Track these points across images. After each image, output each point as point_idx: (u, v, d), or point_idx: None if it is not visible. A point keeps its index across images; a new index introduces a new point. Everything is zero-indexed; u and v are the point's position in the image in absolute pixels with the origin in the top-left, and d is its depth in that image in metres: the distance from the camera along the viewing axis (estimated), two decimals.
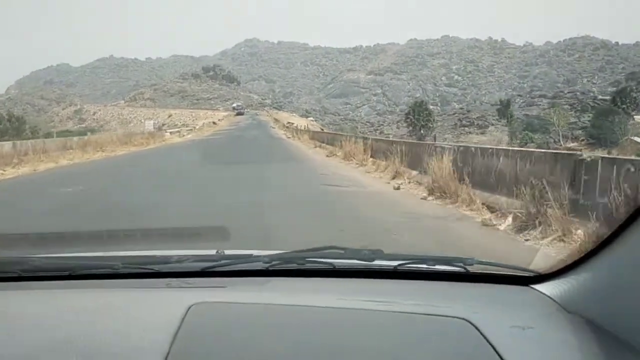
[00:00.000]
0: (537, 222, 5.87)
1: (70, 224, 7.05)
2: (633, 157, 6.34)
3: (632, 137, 45.59)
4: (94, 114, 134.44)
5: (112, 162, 21.72)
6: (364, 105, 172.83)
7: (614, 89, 69.65)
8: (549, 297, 1.36)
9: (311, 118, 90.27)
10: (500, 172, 7.62)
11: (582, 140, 45.88)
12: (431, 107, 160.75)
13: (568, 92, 68.65)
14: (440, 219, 7.31)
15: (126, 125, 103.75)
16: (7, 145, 22.27)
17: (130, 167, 18.28)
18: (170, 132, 48.11)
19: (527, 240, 5.84)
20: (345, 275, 1.53)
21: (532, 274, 1.50)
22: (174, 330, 1.11)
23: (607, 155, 7.43)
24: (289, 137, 42.19)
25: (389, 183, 11.53)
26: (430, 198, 8.91)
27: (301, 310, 1.29)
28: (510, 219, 6.41)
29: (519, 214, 6.22)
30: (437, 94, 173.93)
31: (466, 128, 62.08)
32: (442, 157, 9.24)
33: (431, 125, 58.68)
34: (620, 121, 48.60)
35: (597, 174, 5.50)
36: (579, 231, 5.30)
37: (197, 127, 61.91)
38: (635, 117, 54.23)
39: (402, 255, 1.60)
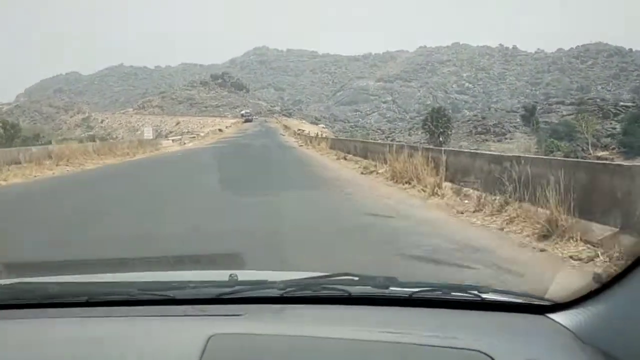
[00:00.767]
0: None
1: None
2: None
3: None
4: (102, 121, 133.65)
5: (53, 184, 15.94)
6: (373, 112, 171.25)
7: (635, 95, 67.54)
8: (564, 327, 1.35)
9: (322, 125, 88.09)
10: None
11: (613, 148, 43.43)
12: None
13: (588, 99, 66.44)
14: None
15: (134, 132, 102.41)
16: None
17: (68, 196, 12.65)
18: (173, 140, 46.13)
19: None
20: (360, 302, 1.53)
21: (548, 303, 1.49)
22: None
23: None
24: (301, 146, 37.97)
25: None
26: None
27: (317, 341, 1.29)
28: None
29: None
30: (448, 101, 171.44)
31: (482, 135, 59.79)
32: None
33: (449, 133, 56.61)
34: None
35: None
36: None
37: (202, 134, 59.67)
38: None
39: (417, 282, 1.60)
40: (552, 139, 41.34)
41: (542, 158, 8.67)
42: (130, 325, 1.39)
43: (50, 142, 43.00)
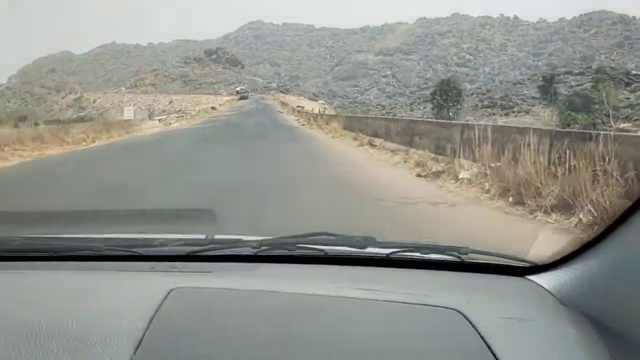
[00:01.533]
0: None
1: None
2: None
3: None
4: (94, 101, 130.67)
5: None
6: (372, 87, 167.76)
7: None
8: (544, 288, 1.34)
9: (322, 101, 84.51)
10: None
11: (636, 119, 40.27)
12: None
13: (597, 69, 63.23)
14: None
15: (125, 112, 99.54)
16: None
17: None
18: (159, 119, 42.96)
19: None
20: (336, 262, 1.52)
21: (528, 265, 1.48)
22: (151, 314, 1.09)
23: None
24: (303, 125, 33.25)
25: None
26: None
27: (289, 297, 1.26)
28: None
29: None
30: (449, 75, 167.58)
31: (488, 109, 56.53)
32: None
33: (459, 107, 52.82)
34: None
35: None
36: None
37: (194, 112, 56.37)
38: None
39: (395, 243, 1.58)
40: (569, 112, 37.86)
41: None
42: (95, 279, 1.36)
43: (37, 124, 40.28)
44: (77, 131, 25.54)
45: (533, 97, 58.81)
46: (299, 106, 56.34)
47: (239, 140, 20.67)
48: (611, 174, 5.29)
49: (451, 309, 1.17)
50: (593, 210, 5.08)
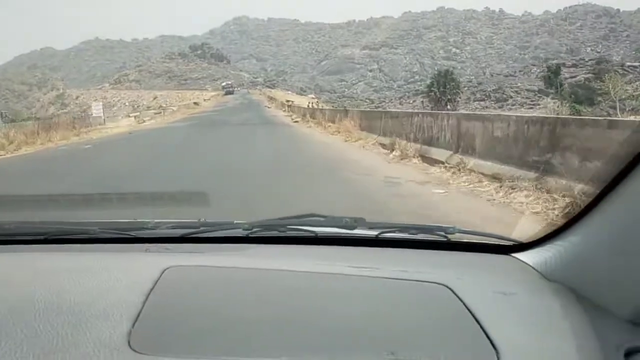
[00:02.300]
0: None
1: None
2: None
3: None
4: (77, 98, 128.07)
5: None
6: (359, 82, 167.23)
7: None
8: (530, 265, 1.38)
9: (312, 95, 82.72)
10: None
11: None
12: (429, 81, 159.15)
13: (589, 60, 62.67)
14: None
15: (110, 109, 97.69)
16: None
17: None
18: (135, 117, 40.77)
19: None
20: (326, 242, 1.55)
21: (513, 243, 1.51)
22: (147, 291, 1.12)
23: None
24: (296, 121, 28.37)
25: None
26: None
27: (281, 274, 1.29)
28: None
29: None
30: (436, 68, 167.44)
31: (481, 102, 55.59)
32: None
33: (458, 99, 51.52)
34: None
35: None
36: None
37: (175, 108, 54.07)
38: None
39: (384, 223, 1.62)
40: (573, 104, 36.66)
41: None
42: (89, 260, 1.37)
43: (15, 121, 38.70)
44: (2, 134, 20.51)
45: (527, 90, 58.14)
46: (288, 100, 52.79)
47: (216, 147, 14.99)
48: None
49: (440, 284, 1.20)
50: None
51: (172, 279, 1.19)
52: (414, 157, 10.00)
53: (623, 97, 43.61)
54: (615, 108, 38.41)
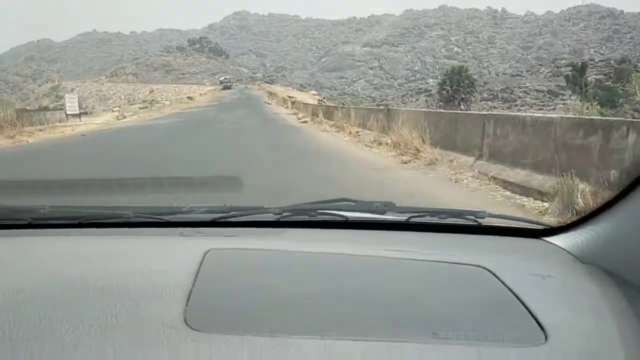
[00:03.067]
0: None
1: None
2: None
3: None
4: (72, 90, 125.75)
5: None
6: (360, 79, 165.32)
7: None
8: (562, 248, 1.38)
9: (313, 91, 79.86)
10: None
11: None
12: (431, 80, 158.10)
13: (600, 61, 60.78)
14: None
15: (105, 102, 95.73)
16: None
17: None
18: (116, 110, 37.70)
19: None
20: (357, 227, 1.56)
21: (544, 227, 1.52)
22: (194, 271, 1.14)
23: None
24: (304, 122, 23.92)
25: None
26: None
27: (317, 256, 1.30)
28: None
29: None
30: (437, 67, 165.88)
31: (488, 102, 53.40)
32: None
33: (473, 98, 48.63)
34: None
35: None
36: None
37: (167, 102, 51.08)
38: None
39: (414, 208, 1.62)
40: (596, 105, 34.21)
41: None
42: (126, 243, 1.41)
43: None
44: None
45: (537, 90, 56.10)
46: (289, 96, 47.86)
47: (190, 168, 9.43)
48: None
49: (477, 266, 1.21)
50: None
51: (215, 261, 1.21)
52: None
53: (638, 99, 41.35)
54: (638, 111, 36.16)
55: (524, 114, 17.86)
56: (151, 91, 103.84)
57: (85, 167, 9.93)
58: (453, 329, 0.96)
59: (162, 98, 75.84)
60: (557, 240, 1.41)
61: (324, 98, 45.39)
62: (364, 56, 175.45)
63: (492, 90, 57.30)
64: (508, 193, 6.45)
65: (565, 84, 47.95)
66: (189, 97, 60.05)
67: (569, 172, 5.12)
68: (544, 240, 1.45)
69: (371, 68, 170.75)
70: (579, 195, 4.95)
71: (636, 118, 31.23)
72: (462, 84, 47.96)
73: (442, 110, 22.34)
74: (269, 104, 47.53)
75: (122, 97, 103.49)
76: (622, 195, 1.24)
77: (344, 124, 17.04)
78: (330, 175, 7.92)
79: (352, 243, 1.39)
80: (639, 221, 1.19)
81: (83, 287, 1.07)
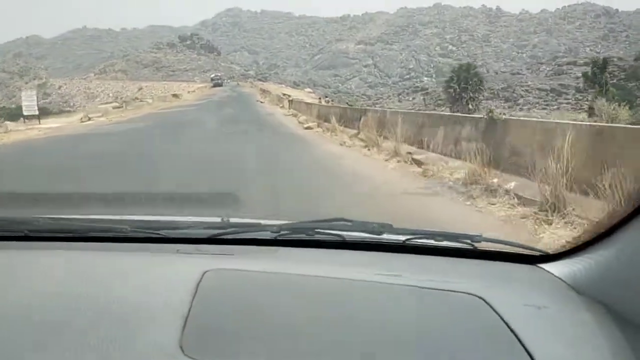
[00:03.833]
0: None
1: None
2: None
3: None
4: (59, 88, 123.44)
5: None
6: (354, 77, 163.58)
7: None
8: (557, 277, 1.37)
9: (308, 89, 77.37)
10: None
11: None
12: (426, 78, 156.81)
13: (603, 59, 58.96)
14: None
15: (92, 100, 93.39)
16: None
17: None
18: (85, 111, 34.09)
19: None
20: (353, 247, 1.56)
21: (540, 254, 1.52)
22: (191, 294, 1.13)
23: None
24: (307, 128, 18.71)
25: None
26: None
27: (313, 280, 1.31)
28: None
29: None
30: (432, 65, 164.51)
31: (489, 102, 51.34)
32: None
33: (482, 98, 45.24)
34: None
35: None
36: None
37: (150, 101, 47.98)
38: None
39: (411, 230, 1.61)
40: (624, 106, 31.73)
41: None
42: (122, 259, 1.40)
43: None
44: None
45: (539, 89, 54.21)
46: (285, 94, 44.05)
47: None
48: None
49: (472, 294, 1.20)
50: None
51: (212, 283, 1.21)
52: None
53: None
54: None
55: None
56: (140, 88, 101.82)
57: None
58: None
59: (150, 95, 73.45)
60: (552, 267, 1.41)
61: (327, 97, 41.17)
62: (358, 54, 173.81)
63: (492, 89, 55.32)
64: None
65: (584, 82, 45.41)
66: (174, 95, 56.26)
67: None
68: (539, 267, 1.44)
69: (365, 66, 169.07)
70: None
71: None
72: (470, 82, 44.65)
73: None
74: (261, 102, 43.95)
75: (110, 94, 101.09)
76: (622, 223, 1.22)
77: (376, 137, 11.33)
78: None
79: (348, 265, 1.41)
80: (635, 253, 1.18)
81: (77, 308, 1.06)
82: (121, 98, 76.93)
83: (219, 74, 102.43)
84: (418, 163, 8.82)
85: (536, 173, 5.73)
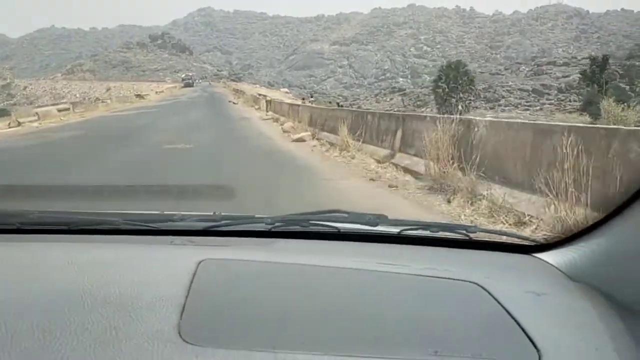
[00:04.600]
0: None
1: None
2: None
3: None
4: (25, 88, 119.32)
5: None
6: (329, 77, 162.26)
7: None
8: (552, 265, 1.38)
9: (285, 89, 74.58)
10: None
11: None
12: (401, 79, 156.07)
13: (582, 59, 58.25)
14: None
15: (59, 100, 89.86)
16: None
17: None
18: (36, 113, 29.27)
19: None
20: (349, 238, 1.55)
21: (534, 243, 1.53)
22: (187, 283, 1.13)
23: None
24: (297, 138, 13.29)
25: None
26: None
27: (309, 269, 1.30)
28: None
29: None
30: (407, 66, 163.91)
31: (471, 102, 49.98)
32: None
33: (472, 98, 43.95)
34: None
35: None
36: None
37: (109, 101, 43.67)
38: None
39: (406, 221, 1.61)
40: (634, 106, 30.03)
41: None
42: (116, 251, 1.38)
43: None
44: None
45: (520, 89, 53.05)
46: (261, 94, 37.87)
47: None
48: None
49: (471, 282, 1.20)
50: None
51: (208, 272, 1.20)
52: None
53: None
54: None
55: None
56: (108, 89, 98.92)
57: None
58: (453, 348, 0.98)
59: (116, 96, 70.21)
60: (547, 256, 1.42)
61: (312, 98, 37.84)
62: (333, 54, 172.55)
63: (472, 90, 54.07)
64: None
65: (582, 80, 43.80)
66: (137, 95, 52.08)
67: None
68: (534, 257, 1.44)
69: (340, 67, 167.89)
70: None
71: None
72: (460, 82, 42.10)
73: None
74: (234, 103, 39.92)
75: (77, 95, 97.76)
76: (615, 213, 1.24)
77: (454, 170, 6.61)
78: None
79: (344, 255, 1.39)
80: (629, 240, 1.20)
81: (76, 298, 1.07)
82: (88, 98, 73.73)
83: (191, 74, 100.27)
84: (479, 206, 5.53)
85: None
